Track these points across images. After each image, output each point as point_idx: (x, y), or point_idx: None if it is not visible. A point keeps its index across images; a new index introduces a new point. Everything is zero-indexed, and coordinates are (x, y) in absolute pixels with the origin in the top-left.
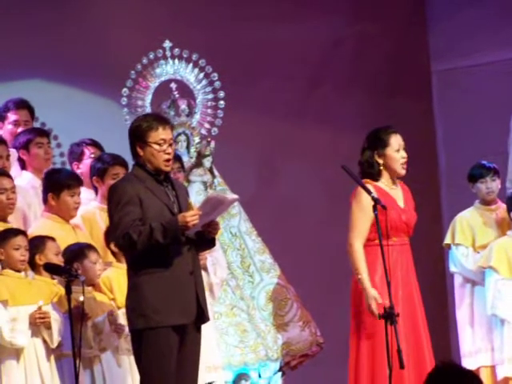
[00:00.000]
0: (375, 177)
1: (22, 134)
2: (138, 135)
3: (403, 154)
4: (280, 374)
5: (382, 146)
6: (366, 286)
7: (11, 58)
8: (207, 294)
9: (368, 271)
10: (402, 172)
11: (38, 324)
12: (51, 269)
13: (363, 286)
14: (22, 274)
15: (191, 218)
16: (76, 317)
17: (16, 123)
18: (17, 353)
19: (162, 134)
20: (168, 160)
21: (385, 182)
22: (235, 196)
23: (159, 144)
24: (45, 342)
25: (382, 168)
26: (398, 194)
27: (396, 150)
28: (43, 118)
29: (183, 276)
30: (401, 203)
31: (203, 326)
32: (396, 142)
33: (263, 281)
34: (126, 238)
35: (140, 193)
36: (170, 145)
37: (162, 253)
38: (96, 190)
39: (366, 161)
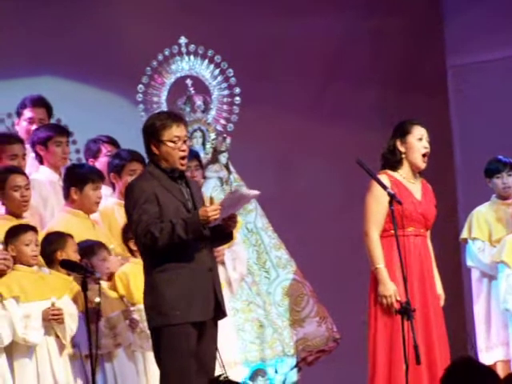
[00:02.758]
0: (395, 165)
1: (42, 129)
2: (152, 133)
3: (425, 144)
4: (296, 369)
5: (404, 134)
6: (384, 277)
7: (28, 54)
8: (225, 289)
9: (386, 264)
10: (422, 164)
11: (52, 321)
12: (67, 265)
13: (380, 277)
14: (35, 268)
15: (213, 212)
16: (91, 317)
17: (31, 121)
18: (29, 350)
19: (176, 131)
20: (183, 157)
21: (403, 174)
22: (257, 192)
23: (174, 141)
24: (57, 337)
25: (403, 157)
26: (415, 188)
27: (418, 138)
28: (59, 114)
29: (201, 273)
30: (418, 196)
31: (222, 323)
32: (419, 131)
33: (279, 277)
34: (148, 235)
35: (156, 191)
36: (185, 141)
37: (180, 250)
38: (113, 186)
39: (388, 148)
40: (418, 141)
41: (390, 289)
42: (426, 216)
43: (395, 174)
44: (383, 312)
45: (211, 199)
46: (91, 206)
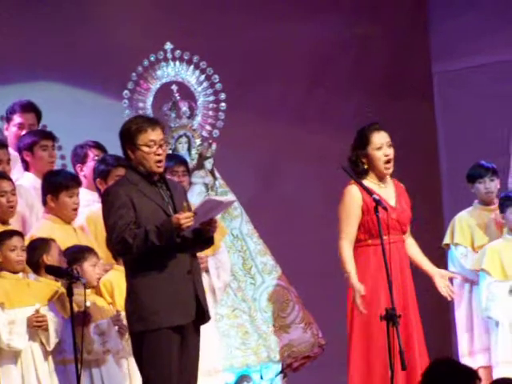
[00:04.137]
0: (362, 174)
1: (27, 135)
2: (127, 138)
3: (386, 151)
4: (282, 375)
5: (363, 145)
6: (353, 281)
7: (14, 60)
8: (209, 296)
9: (359, 272)
10: (386, 172)
11: (36, 327)
12: (52, 271)
13: (350, 282)
14: (20, 275)
15: (185, 220)
16: (78, 321)
17: (20, 126)
18: (15, 356)
19: (151, 135)
20: (159, 161)
21: (373, 181)
22: (232, 198)
23: (149, 146)
24: (42, 344)
25: (366, 167)
26: (388, 193)
27: (377, 148)
28: (44, 120)
29: (180, 276)
30: (392, 202)
31: (205, 329)
32: (378, 139)
33: (265, 282)
34: (122, 242)
35: (133, 196)
36: (161, 145)
37: (159, 255)
38: (100, 191)
39: (350, 159)
40: (378, 150)
41: (356, 289)
42: (402, 221)
43: (366, 183)
44: (359, 318)
45: (184, 207)
46: (68, 213)
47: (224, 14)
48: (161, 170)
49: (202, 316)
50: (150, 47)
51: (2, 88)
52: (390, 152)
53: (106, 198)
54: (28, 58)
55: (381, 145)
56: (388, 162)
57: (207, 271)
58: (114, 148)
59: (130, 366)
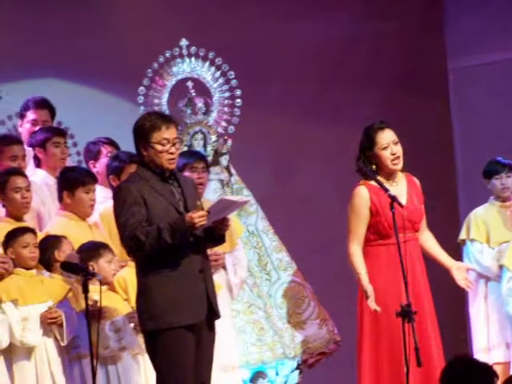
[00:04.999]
0: (371, 176)
1: (39, 131)
2: (141, 135)
3: (393, 149)
4: (297, 371)
5: (370, 146)
6: (362, 282)
7: (29, 56)
8: (226, 292)
9: (370, 270)
10: (395, 168)
11: (50, 324)
12: (68, 267)
13: (360, 283)
14: (34, 271)
15: (199, 219)
16: (92, 316)
17: (34, 122)
18: (28, 352)
19: (165, 133)
20: (172, 159)
21: (382, 180)
22: (246, 198)
23: (162, 144)
24: (56, 340)
25: (374, 167)
26: (398, 191)
27: (383, 147)
28: (59, 117)
29: (192, 275)
30: (402, 200)
31: (221, 325)
32: (383, 138)
33: (280, 279)
34: (134, 239)
35: (144, 193)
36: (174, 144)
37: (170, 253)
38: (113, 188)
39: (358, 160)
40: (385, 150)
41: (364, 289)
42: (413, 219)
43: (374, 183)
44: (368, 316)
45: (198, 206)
46: (85, 210)
47: (239, 10)
48: (173, 166)
49: (213, 314)
50: (166, 44)
51: (14, 85)
52: (398, 150)
53: (118, 194)
54: (39, 55)
55: (387, 144)
56: (396, 159)
57: (224, 268)
58: (127, 145)
59: (146, 363)
